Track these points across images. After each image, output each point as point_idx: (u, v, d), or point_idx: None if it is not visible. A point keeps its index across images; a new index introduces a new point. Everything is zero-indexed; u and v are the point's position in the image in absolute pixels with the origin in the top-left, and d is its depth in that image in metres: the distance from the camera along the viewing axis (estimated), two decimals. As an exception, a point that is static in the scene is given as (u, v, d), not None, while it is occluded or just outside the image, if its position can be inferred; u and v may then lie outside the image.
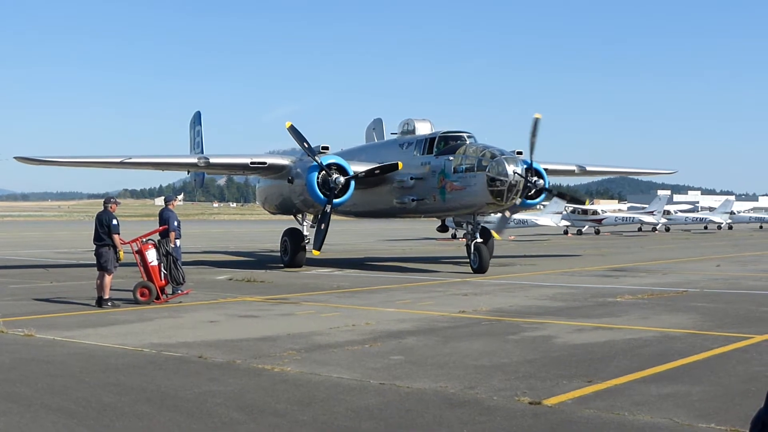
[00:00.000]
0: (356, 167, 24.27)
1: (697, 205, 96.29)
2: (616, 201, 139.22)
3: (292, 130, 23.45)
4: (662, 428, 6.56)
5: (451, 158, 22.85)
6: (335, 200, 23.59)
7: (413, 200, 24.27)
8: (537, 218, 52.21)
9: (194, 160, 26.60)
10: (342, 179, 23.61)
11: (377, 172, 23.99)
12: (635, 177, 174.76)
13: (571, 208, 56.31)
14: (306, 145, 23.59)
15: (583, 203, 27.65)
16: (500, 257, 28.91)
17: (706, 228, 68.96)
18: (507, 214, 24.11)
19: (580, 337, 11.18)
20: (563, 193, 28.58)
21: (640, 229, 62.86)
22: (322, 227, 23.66)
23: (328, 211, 23.64)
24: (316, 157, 23.54)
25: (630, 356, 9.67)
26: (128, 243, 15.49)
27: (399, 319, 13.14)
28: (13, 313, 13.61)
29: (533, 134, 22.95)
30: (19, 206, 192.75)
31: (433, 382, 8.26)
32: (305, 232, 26.37)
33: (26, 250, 37.02)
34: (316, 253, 23.75)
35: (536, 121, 22.95)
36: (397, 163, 23.77)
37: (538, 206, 34.59)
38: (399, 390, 7.91)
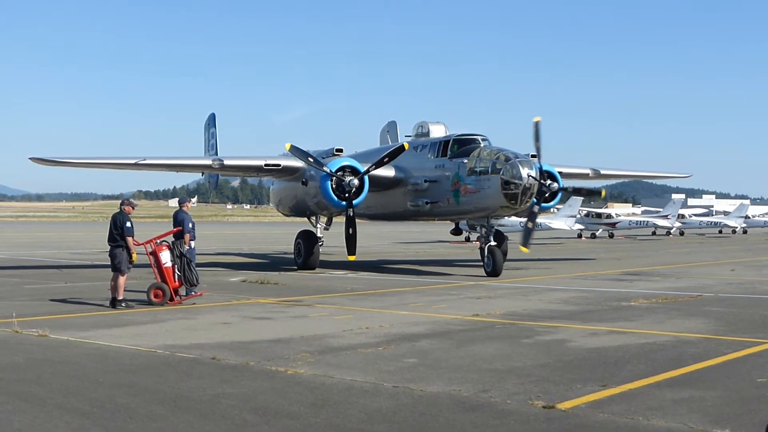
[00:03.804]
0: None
1: (711, 209, 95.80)
2: (630, 205, 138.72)
3: (294, 149, 23.09)
4: (677, 433, 6.53)
5: (465, 161, 22.78)
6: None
7: (427, 203, 24.21)
8: (551, 222, 52.00)
9: (208, 162, 26.72)
10: (356, 181, 23.49)
11: (386, 160, 23.71)
12: (649, 181, 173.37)
13: (585, 212, 56.15)
14: (311, 159, 23.34)
15: (599, 194, 27.42)
16: (514, 261, 28.83)
17: (720, 232, 68.59)
18: (530, 225, 23.74)
19: (594, 341, 11.15)
20: (579, 189, 28.03)
21: (654, 233, 62.62)
22: (350, 232, 23.47)
23: (351, 214, 23.47)
24: (325, 168, 23.35)
25: (644, 360, 9.63)
26: (142, 244, 15.56)
27: (412, 322, 13.13)
28: (27, 314, 13.67)
29: (536, 138, 23.16)
30: (34, 207, 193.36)
31: (446, 385, 8.24)
32: (319, 234, 26.36)
33: (41, 250, 37.22)
34: (351, 258, 23.56)
35: (537, 125, 23.17)
36: (403, 145, 23.57)
37: (552, 209, 34.56)
38: (412, 393, 7.90)
